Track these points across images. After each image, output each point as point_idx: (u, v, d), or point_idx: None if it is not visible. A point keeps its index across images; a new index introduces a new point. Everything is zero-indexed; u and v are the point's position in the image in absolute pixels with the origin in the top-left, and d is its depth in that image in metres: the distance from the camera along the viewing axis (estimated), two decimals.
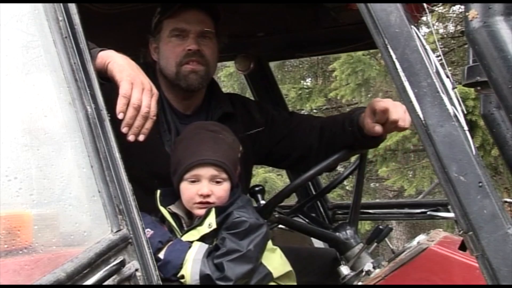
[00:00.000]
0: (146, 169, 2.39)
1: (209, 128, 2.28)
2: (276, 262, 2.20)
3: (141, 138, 1.90)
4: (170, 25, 2.46)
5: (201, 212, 2.16)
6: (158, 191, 2.25)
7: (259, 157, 2.72)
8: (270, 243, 2.21)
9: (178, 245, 2.12)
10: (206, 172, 2.16)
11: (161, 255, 2.08)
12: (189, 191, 2.18)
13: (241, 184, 2.34)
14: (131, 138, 1.88)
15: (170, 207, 2.23)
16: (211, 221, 2.12)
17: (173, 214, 2.23)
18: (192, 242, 2.14)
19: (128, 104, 1.87)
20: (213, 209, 2.14)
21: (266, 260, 2.16)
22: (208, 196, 2.15)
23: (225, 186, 2.18)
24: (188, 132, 2.30)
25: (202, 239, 2.13)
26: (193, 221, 2.21)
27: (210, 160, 2.16)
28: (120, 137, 1.67)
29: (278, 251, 2.24)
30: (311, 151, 2.61)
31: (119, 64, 1.95)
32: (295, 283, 2.28)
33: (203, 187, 2.15)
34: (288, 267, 2.24)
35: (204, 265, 2.04)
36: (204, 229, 2.13)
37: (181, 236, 2.18)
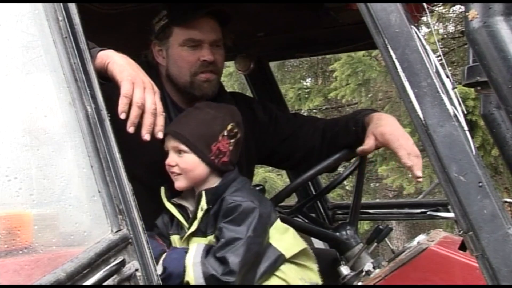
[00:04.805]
0: (149, 168, 2.38)
1: (196, 105, 2.32)
2: (288, 242, 2.18)
3: (160, 135, 1.91)
4: (183, 33, 2.44)
5: (176, 184, 2.21)
6: (163, 188, 2.26)
7: (262, 156, 2.72)
8: (280, 224, 2.20)
9: (173, 253, 2.11)
10: (170, 143, 2.21)
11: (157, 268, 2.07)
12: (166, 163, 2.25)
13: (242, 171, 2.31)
14: (146, 137, 1.87)
15: (175, 199, 2.24)
16: (202, 205, 2.14)
17: (179, 207, 2.23)
18: (188, 244, 2.14)
19: (130, 104, 1.87)
20: (203, 193, 2.16)
21: (277, 242, 2.14)
22: (172, 166, 2.21)
23: (188, 158, 2.19)
24: None
25: (203, 227, 2.13)
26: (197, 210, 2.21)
27: (169, 131, 2.20)
28: (122, 137, 1.66)
29: (291, 230, 2.22)
30: (313, 152, 2.62)
31: (119, 64, 1.95)
32: (313, 261, 2.27)
33: (169, 157, 2.22)
34: (302, 245, 2.22)
35: (204, 266, 2.02)
36: (198, 214, 2.14)
37: (188, 230, 2.17)
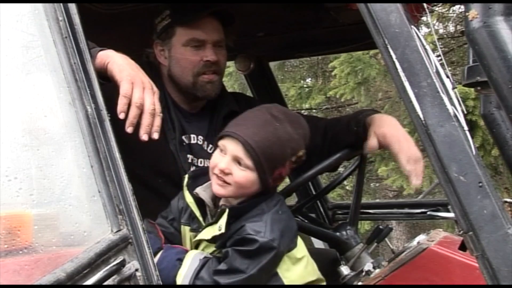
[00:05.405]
0: (150, 168, 2.38)
1: (274, 112, 2.03)
2: (296, 274, 2.02)
3: (156, 136, 1.89)
4: (186, 33, 2.44)
5: (217, 189, 1.99)
6: (186, 176, 2.10)
7: None
8: (296, 251, 2.03)
9: (164, 261, 1.97)
10: (233, 148, 1.96)
11: None
12: (214, 158, 2.02)
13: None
14: (144, 137, 1.86)
15: (197, 190, 2.05)
16: (221, 224, 1.96)
17: (198, 200, 2.06)
18: (197, 246, 2.06)
19: (129, 104, 1.87)
20: (226, 211, 1.97)
21: (285, 272, 1.99)
22: (225, 173, 1.96)
23: (248, 175, 1.95)
24: (254, 108, 2.11)
25: (214, 240, 2.00)
26: (217, 209, 2.04)
27: (239, 137, 1.95)
28: (122, 137, 1.66)
29: (304, 261, 2.05)
30: (314, 151, 2.61)
31: (118, 64, 1.95)
32: (322, 281, 2.13)
33: (223, 161, 1.97)
34: (312, 277, 2.07)
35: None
36: (215, 230, 1.98)
37: (202, 229, 2.04)
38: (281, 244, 1.94)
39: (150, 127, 1.88)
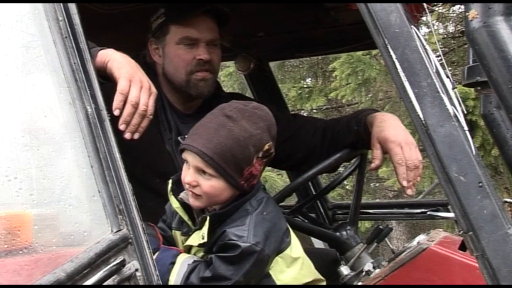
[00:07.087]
0: (147, 168, 2.38)
1: (228, 112, 1.94)
2: (291, 276, 2.00)
3: (136, 136, 1.90)
4: (180, 32, 2.44)
5: (192, 202, 1.97)
6: (170, 181, 2.05)
7: None
8: (290, 252, 2.00)
9: (158, 266, 1.85)
10: (193, 160, 1.91)
11: None
12: (182, 172, 1.98)
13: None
14: (127, 136, 1.88)
15: (181, 195, 2.02)
16: (204, 232, 1.93)
17: (185, 204, 2.02)
18: (189, 250, 2.05)
19: (125, 101, 1.87)
20: (207, 218, 1.93)
21: (278, 274, 1.97)
22: (193, 186, 1.93)
23: (214, 183, 1.91)
24: (210, 111, 2.04)
25: (201, 245, 1.98)
26: (203, 214, 2.01)
27: (193, 149, 1.90)
28: (122, 137, 1.67)
29: (300, 261, 2.02)
30: (314, 152, 2.62)
31: (118, 61, 1.96)
32: (321, 281, 2.12)
33: (187, 174, 1.94)
34: (307, 278, 2.05)
35: None
36: (199, 238, 1.96)
37: (192, 233, 2.02)
38: (266, 247, 1.89)
39: (136, 127, 1.88)
